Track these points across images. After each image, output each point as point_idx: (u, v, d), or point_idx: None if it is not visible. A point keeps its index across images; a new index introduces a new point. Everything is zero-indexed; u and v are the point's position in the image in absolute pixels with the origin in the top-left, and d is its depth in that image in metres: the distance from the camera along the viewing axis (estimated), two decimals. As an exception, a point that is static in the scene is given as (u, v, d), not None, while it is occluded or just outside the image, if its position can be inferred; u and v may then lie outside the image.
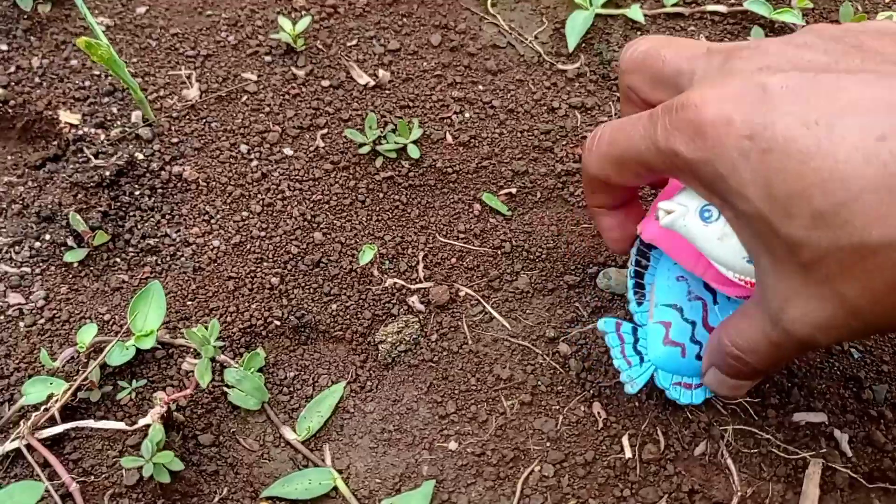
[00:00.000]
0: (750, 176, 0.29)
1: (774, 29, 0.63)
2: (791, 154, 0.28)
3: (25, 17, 0.65)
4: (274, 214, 0.56)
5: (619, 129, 0.36)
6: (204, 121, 0.60)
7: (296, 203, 0.57)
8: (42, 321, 0.51)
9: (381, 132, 0.59)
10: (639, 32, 0.64)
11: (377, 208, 0.57)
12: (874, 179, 0.26)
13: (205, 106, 0.61)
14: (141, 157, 0.58)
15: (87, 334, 0.47)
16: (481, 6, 0.66)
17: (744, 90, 0.30)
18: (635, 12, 0.63)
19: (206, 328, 0.46)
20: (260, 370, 0.50)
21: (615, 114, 0.61)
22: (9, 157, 0.61)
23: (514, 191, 0.57)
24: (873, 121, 0.27)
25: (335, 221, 0.56)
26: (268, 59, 0.63)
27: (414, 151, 0.57)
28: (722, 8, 0.64)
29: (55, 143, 0.61)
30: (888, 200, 0.26)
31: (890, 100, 0.27)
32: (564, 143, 0.59)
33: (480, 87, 0.62)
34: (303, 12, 0.66)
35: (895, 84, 0.28)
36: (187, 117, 0.60)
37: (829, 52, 0.30)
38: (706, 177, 0.31)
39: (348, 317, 0.52)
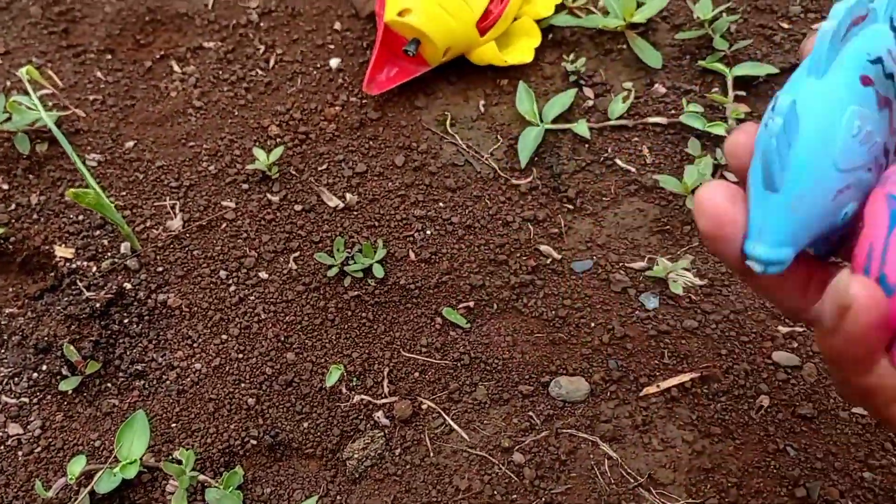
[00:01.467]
0: None
1: (711, 139, 0.68)
2: None
3: (25, 157, 0.71)
4: (251, 337, 0.61)
5: None
6: (187, 249, 0.65)
7: (270, 325, 0.61)
8: (39, 450, 0.56)
9: (350, 253, 0.64)
10: (586, 146, 0.69)
11: (346, 326, 0.61)
12: None
13: (187, 235, 0.66)
14: (129, 286, 0.64)
15: (77, 465, 0.52)
16: (440, 126, 0.71)
17: None
18: (581, 127, 0.68)
19: (183, 460, 0.50)
20: (239, 487, 0.54)
21: (565, 225, 0.65)
22: (10, 289, 0.66)
23: (472, 304, 0.62)
24: None
25: (307, 341, 0.61)
26: (245, 186, 0.69)
27: (379, 271, 0.62)
28: (662, 120, 0.69)
29: (52, 274, 0.66)
30: None
31: None
32: (518, 255, 0.64)
33: (441, 204, 0.67)
34: (277, 140, 0.71)
35: None
36: (171, 246, 0.66)
37: None
38: None
39: (319, 434, 0.57)
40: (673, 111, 0.70)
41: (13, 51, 0.80)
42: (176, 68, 0.78)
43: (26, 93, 0.74)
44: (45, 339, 0.61)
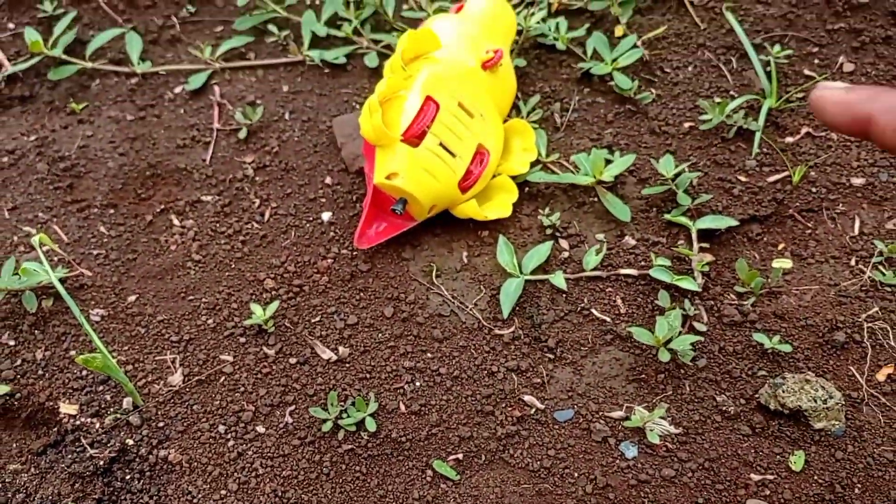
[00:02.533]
0: None
1: (680, 290, 0.73)
2: None
3: (31, 313, 0.74)
4: (249, 492, 0.64)
5: None
6: (187, 404, 0.69)
7: (268, 480, 0.64)
8: None
9: (343, 406, 0.67)
10: (563, 296, 0.74)
11: (340, 480, 0.64)
12: None
13: (187, 390, 0.69)
14: (131, 442, 0.66)
15: None
16: (427, 277, 0.76)
17: None
18: (558, 279, 0.73)
19: None
20: None
21: (546, 374, 0.69)
22: (14, 445, 0.68)
23: (460, 456, 0.65)
24: None
25: (303, 496, 0.63)
26: (242, 340, 0.73)
27: (371, 424, 0.66)
28: (633, 271, 0.74)
29: (55, 429, 0.68)
30: None
31: None
32: (504, 405, 0.68)
33: (429, 354, 0.71)
34: (272, 293, 0.75)
35: None
36: (172, 401, 0.69)
37: None
38: None
39: (316, 592, 0.59)
40: (643, 263, 0.75)
41: (20, 206, 0.84)
42: (175, 222, 0.83)
43: (32, 248, 0.78)
44: (50, 498, 0.63)
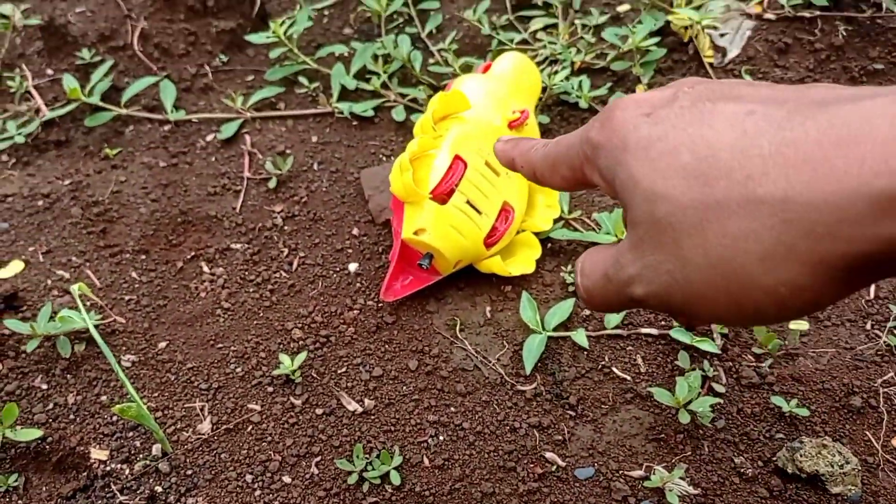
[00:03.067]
0: (634, 144, 0.31)
1: (699, 350, 0.74)
2: (676, 125, 0.31)
3: (64, 358, 0.76)
4: (275, 543, 0.65)
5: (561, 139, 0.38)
6: (215, 452, 0.70)
7: (294, 531, 0.65)
8: None
9: (368, 458, 0.68)
10: (585, 353, 0.75)
11: (365, 533, 0.65)
12: (731, 141, 0.29)
13: (215, 438, 0.71)
14: (160, 489, 0.68)
15: None
16: (450, 330, 0.78)
17: (660, 93, 0.33)
18: (580, 336, 0.75)
19: None
20: None
21: (568, 432, 0.71)
22: (44, 489, 0.70)
23: (483, 511, 0.66)
24: (750, 105, 0.29)
25: (328, 548, 0.64)
26: (270, 389, 0.74)
27: (395, 478, 0.67)
28: (653, 331, 0.76)
29: (85, 474, 0.70)
30: (740, 158, 0.28)
31: (771, 94, 0.30)
32: (525, 461, 0.69)
33: (452, 408, 0.73)
34: (300, 343, 0.77)
35: (783, 94, 0.30)
36: (200, 449, 0.70)
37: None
38: (603, 162, 0.33)
39: None
40: (663, 322, 0.77)
41: (54, 249, 0.87)
42: (205, 269, 0.85)
43: (66, 292, 0.80)
44: (80, 544, 0.65)
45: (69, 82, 0.98)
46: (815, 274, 0.27)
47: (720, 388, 0.72)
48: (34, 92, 1.00)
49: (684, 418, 0.68)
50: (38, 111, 0.99)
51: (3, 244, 0.88)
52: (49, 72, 1.04)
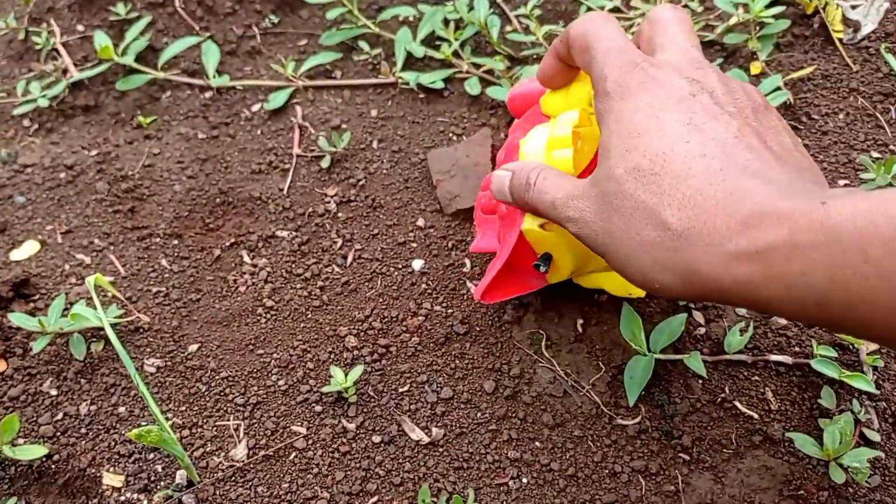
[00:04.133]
0: (630, 109, 0.42)
1: (844, 387, 0.60)
2: (668, 119, 0.40)
3: (78, 359, 0.65)
4: None
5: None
6: (250, 484, 0.58)
7: (343, 591, 0.53)
8: None
9: (435, 502, 0.56)
10: (700, 382, 0.62)
11: None
12: (681, 160, 0.38)
13: (252, 466, 0.59)
14: (183, 527, 0.56)
15: None
16: (534, 346, 0.65)
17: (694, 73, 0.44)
18: (695, 361, 0.61)
19: None
20: None
21: (681, 481, 0.57)
22: (47, 515, 0.58)
23: (577, 579, 0.53)
24: (689, 114, 0.40)
25: None
26: (318, 408, 0.62)
27: (469, 530, 0.54)
28: (787, 359, 0.62)
29: (95, 502, 0.58)
30: (677, 182, 0.38)
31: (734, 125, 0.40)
32: (629, 516, 0.56)
33: (538, 443, 0.60)
34: (354, 352, 0.65)
35: (728, 119, 0.41)
36: (233, 479, 0.58)
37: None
38: (603, 101, 0.44)
39: None
40: (797, 349, 0.62)
41: (75, 229, 0.75)
42: (246, 259, 0.73)
43: (83, 280, 0.69)
44: (84, 592, 0.53)
45: (101, 40, 0.86)
46: (682, 286, 0.38)
47: (874, 436, 0.58)
48: (62, 50, 0.89)
49: (838, 476, 0.54)
50: (65, 72, 0.87)
51: (19, 221, 0.77)
52: (80, 28, 0.92)
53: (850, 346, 0.62)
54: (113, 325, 0.64)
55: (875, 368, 0.61)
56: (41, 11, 0.94)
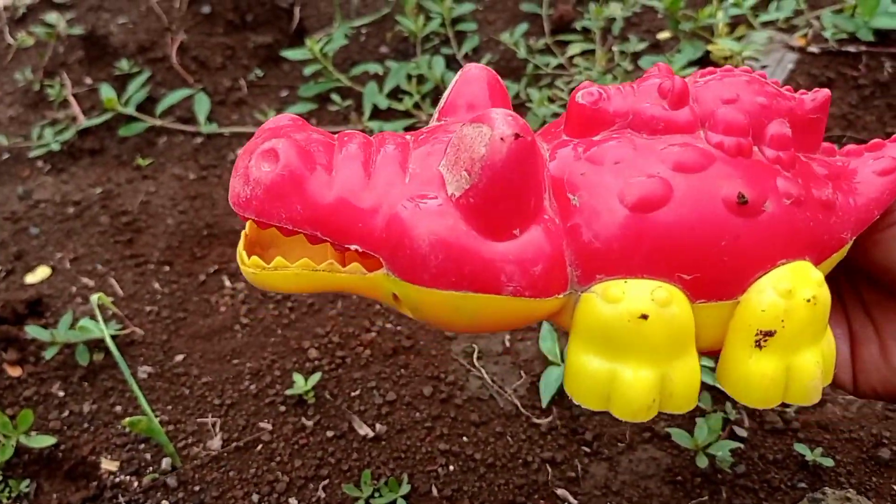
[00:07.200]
0: None
1: (722, 393, 0.72)
2: None
3: (82, 366, 0.77)
4: (277, 566, 0.64)
5: None
6: (223, 470, 0.70)
7: (297, 555, 0.64)
8: None
9: (376, 485, 0.67)
10: (604, 388, 0.73)
11: (368, 562, 0.64)
12: None
13: (225, 455, 0.71)
14: (167, 504, 0.67)
15: None
16: (468, 358, 0.77)
17: None
18: (600, 371, 0.73)
19: None
20: None
21: (581, 469, 0.69)
22: (54, 496, 0.70)
23: (489, 547, 0.65)
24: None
25: (330, 575, 0.63)
26: (282, 408, 0.74)
27: (402, 507, 0.66)
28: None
29: (95, 484, 0.70)
30: None
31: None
32: (536, 497, 0.67)
33: (465, 438, 0.71)
34: (315, 363, 0.77)
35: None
36: (209, 466, 0.70)
37: None
38: None
39: None
40: (686, 360, 0.74)
41: (81, 257, 0.88)
42: (227, 283, 0.85)
43: (87, 300, 0.81)
44: (83, 555, 0.64)
45: (106, 92, 0.99)
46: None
47: (742, 433, 0.70)
48: (72, 100, 1.02)
49: (702, 462, 0.66)
50: (74, 119, 1.00)
51: (33, 249, 0.89)
52: (88, 81, 1.05)
53: (729, 359, 0.74)
54: (112, 338, 0.76)
55: (748, 377, 0.73)
56: (55, 65, 1.07)
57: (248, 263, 0.35)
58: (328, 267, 0.34)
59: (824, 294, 0.37)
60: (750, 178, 0.35)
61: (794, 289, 0.36)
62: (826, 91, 0.38)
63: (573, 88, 0.99)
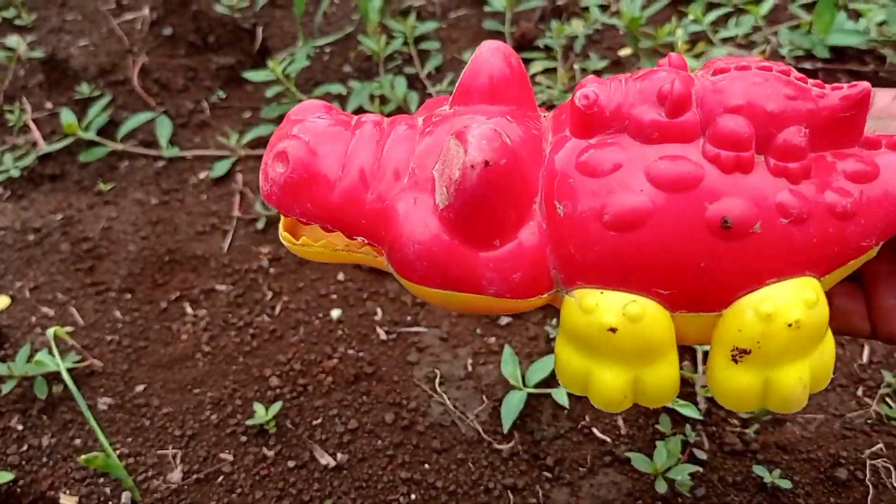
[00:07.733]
0: None
1: (682, 416, 0.73)
2: None
3: (40, 399, 0.76)
4: None
5: None
6: (184, 502, 0.69)
7: (257, 590, 0.64)
8: None
9: (337, 515, 0.67)
10: (565, 412, 0.74)
11: None
12: None
13: (185, 487, 0.70)
14: (126, 540, 0.67)
15: None
16: (430, 383, 0.77)
17: None
18: (561, 395, 0.73)
19: None
20: None
21: (543, 495, 0.69)
22: (11, 533, 0.69)
23: (450, 576, 0.65)
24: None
25: None
26: (243, 439, 0.73)
27: (363, 538, 0.66)
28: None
29: (53, 520, 0.69)
30: None
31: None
32: (497, 524, 0.67)
33: (426, 466, 0.71)
34: (276, 391, 0.76)
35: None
36: (170, 499, 0.70)
37: None
38: None
39: None
40: (646, 382, 0.75)
41: (41, 286, 0.87)
42: (189, 310, 0.84)
43: (45, 331, 0.80)
44: None
45: (66, 117, 0.99)
46: None
47: (702, 455, 0.70)
48: (32, 125, 1.01)
49: (661, 487, 0.66)
50: (34, 144, 1.00)
51: (-8, 278, 0.88)
52: (48, 105, 1.04)
53: (688, 379, 0.75)
54: (71, 370, 0.75)
55: (708, 399, 0.74)
56: (14, 90, 1.06)
57: (284, 237, 0.40)
58: (346, 247, 0.39)
59: (814, 316, 0.35)
60: (742, 198, 0.34)
61: (775, 313, 0.35)
62: (865, 84, 0.35)
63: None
